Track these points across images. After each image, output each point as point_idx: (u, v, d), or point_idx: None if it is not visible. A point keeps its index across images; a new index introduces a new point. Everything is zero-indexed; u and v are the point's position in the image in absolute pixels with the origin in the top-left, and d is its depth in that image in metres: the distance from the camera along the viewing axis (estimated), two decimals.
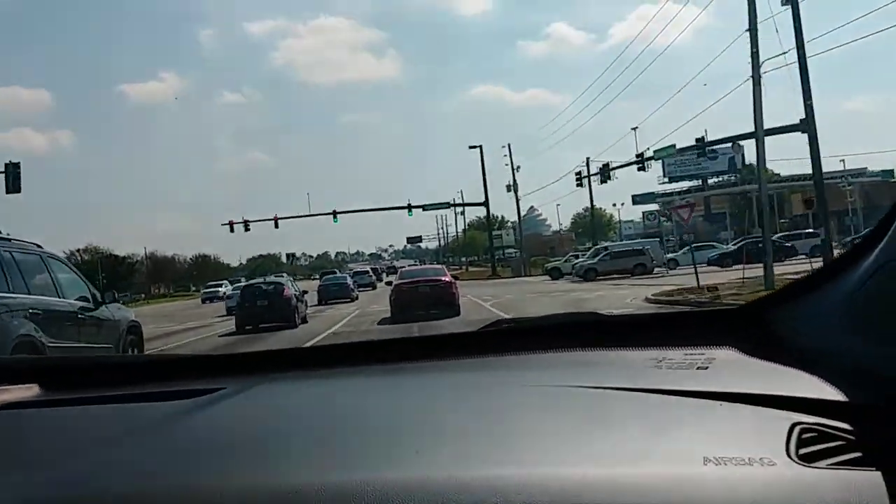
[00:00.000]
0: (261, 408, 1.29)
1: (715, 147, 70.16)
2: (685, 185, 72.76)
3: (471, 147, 65.60)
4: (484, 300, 27.26)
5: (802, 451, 0.85)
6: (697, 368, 1.12)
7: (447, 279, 21.90)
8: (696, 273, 22.03)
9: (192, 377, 1.49)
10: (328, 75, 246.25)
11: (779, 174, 71.95)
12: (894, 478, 0.81)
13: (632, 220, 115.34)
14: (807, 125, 21.66)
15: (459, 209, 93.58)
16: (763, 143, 19.52)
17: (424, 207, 61.55)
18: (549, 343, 1.33)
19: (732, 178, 68.03)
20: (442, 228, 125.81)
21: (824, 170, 22.41)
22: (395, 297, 21.54)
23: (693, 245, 28.81)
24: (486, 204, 65.23)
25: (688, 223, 24.45)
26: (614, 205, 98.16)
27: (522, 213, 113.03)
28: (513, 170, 64.44)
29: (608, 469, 0.86)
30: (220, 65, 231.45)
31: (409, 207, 59.85)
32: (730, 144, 67.07)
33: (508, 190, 66.18)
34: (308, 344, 15.58)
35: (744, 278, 20.95)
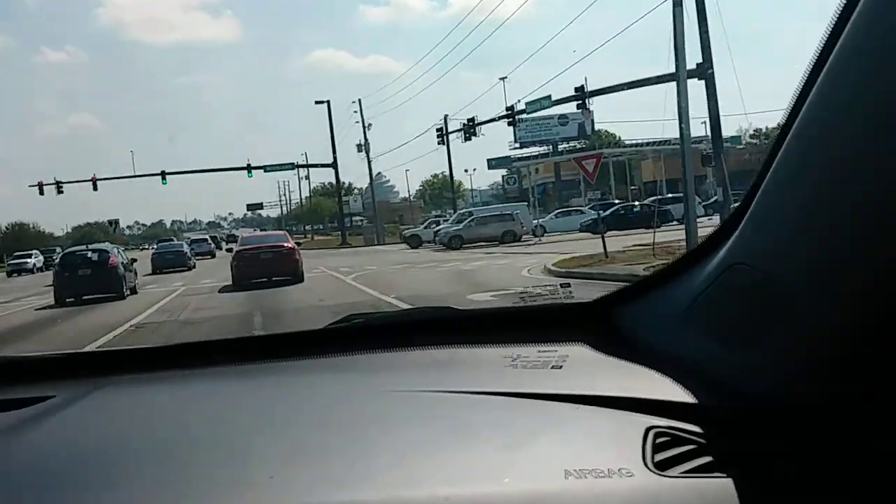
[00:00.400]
0: (94, 419, 1.19)
1: (566, 113, 70.35)
2: (535, 150, 71.32)
3: (317, 102, 61.08)
4: (342, 273, 23.29)
5: (658, 457, 0.87)
6: (552, 368, 1.12)
7: (289, 245, 21.53)
8: (603, 241, 19.28)
9: (12, 383, 1.32)
10: (160, 35, 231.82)
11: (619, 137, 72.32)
12: (745, 484, 0.84)
13: (478, 190, 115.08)
14: (704, 70, 19.74)
15: (304, 173, 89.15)
16: (685, 85, 16.69)
17: (266, 168, 57.06)
18: (404, 341, 1.30)
19: (582, 143, 67.24)
20: (284, 195, 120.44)
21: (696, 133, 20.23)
22: (236, 264, 21.02)
23: (562, 210, 26.12)
24: (334, 165, 60.96)
25: (594, 179, 21.76)
26: (466, 171, 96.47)
27: (369, 181, 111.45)
28: (364, 126, 60.57)
29: (469, 488, 0.86)
30: (41, 20, 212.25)
31: (249, 168, 55.14)
32: (580, 110, 66.94)
33: (360, 150, 62.30)
34: (136, 319, 14.47)
35: (654, 244, 18.22)
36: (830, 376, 0.85)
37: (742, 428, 0.92)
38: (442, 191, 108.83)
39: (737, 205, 0.97)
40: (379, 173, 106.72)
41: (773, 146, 0.89)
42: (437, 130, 50.64)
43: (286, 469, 0.90)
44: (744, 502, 0.83)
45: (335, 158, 60.64)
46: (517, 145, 68.97)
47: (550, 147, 70.06)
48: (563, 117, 67.04)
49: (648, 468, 0.86)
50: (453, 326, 1.40)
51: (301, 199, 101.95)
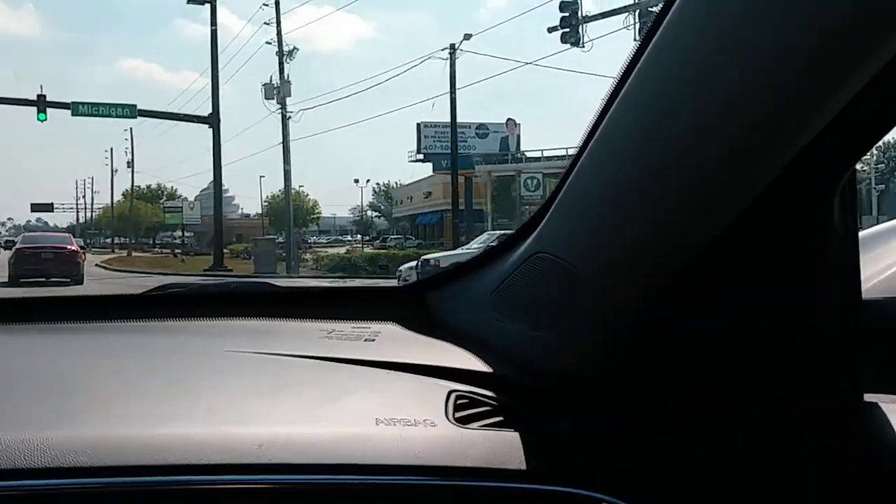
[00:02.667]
0: None
1: (486, 122, 54.53)
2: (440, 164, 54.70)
3: None
4: None
5: (458, 414, 0.99)
6: (365, 340, 1.21)
7: (73, 248, 21.28)
8: None
9: None
10: None
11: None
12: (528, 436, 0.97)
13: (334, 216, 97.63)
14: None
15: (122, 168, 68.36)
16: None
17: (76, 109, 29.51)
18: (222, 311, 1.34)
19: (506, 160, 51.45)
20: (83, 196, 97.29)
21: None
22: (14, 261, 20.66)
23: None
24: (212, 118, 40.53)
25: None
26: (357, 181, 78.41)
27: (203, 187, 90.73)
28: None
29: (286, 429, 0.94)
30: None
31: (41, 104, 28.72)
32: (507, 122, 51.12)
33: None
34: None
35: None
36: (611, 352, 1.01)
37: (531, 394, 1.05)
38: (293, 208, 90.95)
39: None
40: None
41: (580, 148, 0.97)
42: None
43: (110, 406, 0.98)
44: (527, 449, 0.95)
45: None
46: (419, 157, 51.94)
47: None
48: (482, 127, 51.36)
49: (449, 420, 0.97)
50: (273, 300, 1.43)
51: (112, 200, 79.11)
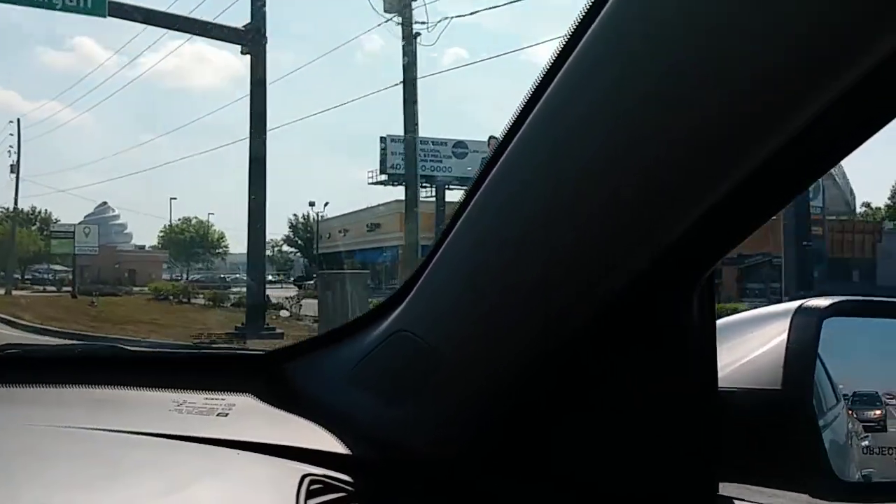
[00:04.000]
0: None
1: (465, 140, 44.37)
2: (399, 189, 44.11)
3: None
4: None
5: (310, 502, 0.95)
6: (217, 415, 1.14)
7: None
8: None
9: None
10: None
11: None
12: None
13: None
14: None
15: None
16: None
17: None
18: (62, 377, 1.21)
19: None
20: None
21: None
22: None
23: None
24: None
25: None
26: (312, 204, 66.35)
27: (89, 211, 76.62)
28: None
29: None
30: None
31: None
32: (489, 139, 41.15)
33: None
34: None
35: None
36: (469, 429, 1.00)
37: (388, 477, 1.03)
38: (195, 241, 77.91)
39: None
40: (104, 203, 73.92)
41: (448, 224, 0.96)
42: None
43: None
44: None
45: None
46: (381, 177, 41.16)
47: (432, 189, 42.84)
48: (460, 145, 41.20)
49: None
50: (120, 366, 1.34)
51: None
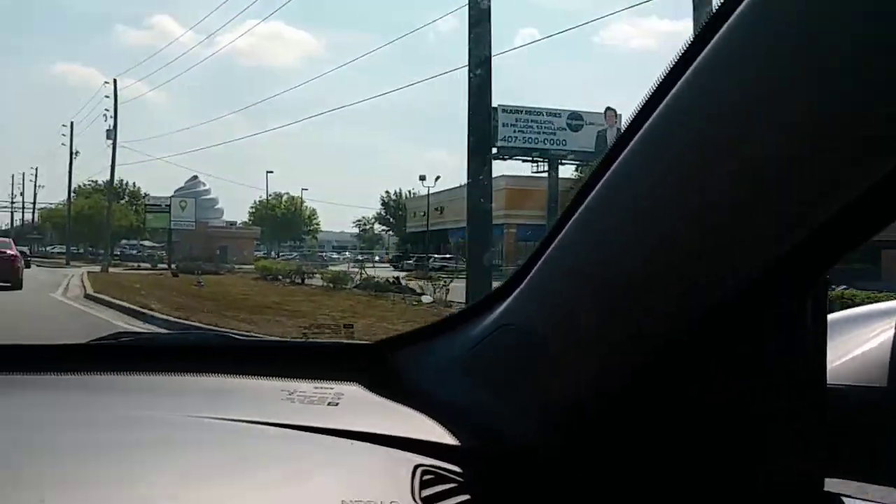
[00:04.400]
0: None
1: (580, 111, 41.04)
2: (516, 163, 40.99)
3: None
4: None
5: (424, 493, 0.97)
6: (328, 404, 1.17)
7: (12, 252, 21.16)
8: None
9: None
10: None
11: None
12: None
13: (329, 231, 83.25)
14: None
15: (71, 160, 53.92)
16: None
17: None
18: (177, 365, 1.27)
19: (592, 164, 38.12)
20: (21, 194, 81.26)
21: None
22: None
23: None
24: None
25: None
26: (423, 178, 63.57)
27: (181, 185, 75.70)
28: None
29: None
30: None
31: None
32: (606, 112, 37.96)
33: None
34: None
35: None
36: (577, 425, 1.00)
37: (498, 469, 1.03)
38: (287, 217, 76.27)
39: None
40: (195, 178, 72.78)
41: (561, 219, 0.97)
42: None
43: (57, 495, 0.87)
44: None
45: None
46: (494, 150, 38.35)
47: (545, 163, 39.77)
48: (575, 117, 37.96)
49: (416, 501, 0.95)
50: (230, 355, 1.36)
51: (70, 194, 58.75)
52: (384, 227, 78.48)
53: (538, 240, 1.05)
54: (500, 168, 37.97)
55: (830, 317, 1.01)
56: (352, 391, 1.20)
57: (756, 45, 0.71)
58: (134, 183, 73.41)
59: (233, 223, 64.84)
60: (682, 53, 0.78)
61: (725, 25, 0.73)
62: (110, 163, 42.22)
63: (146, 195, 62.99)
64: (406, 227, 64.93)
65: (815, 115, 0.69)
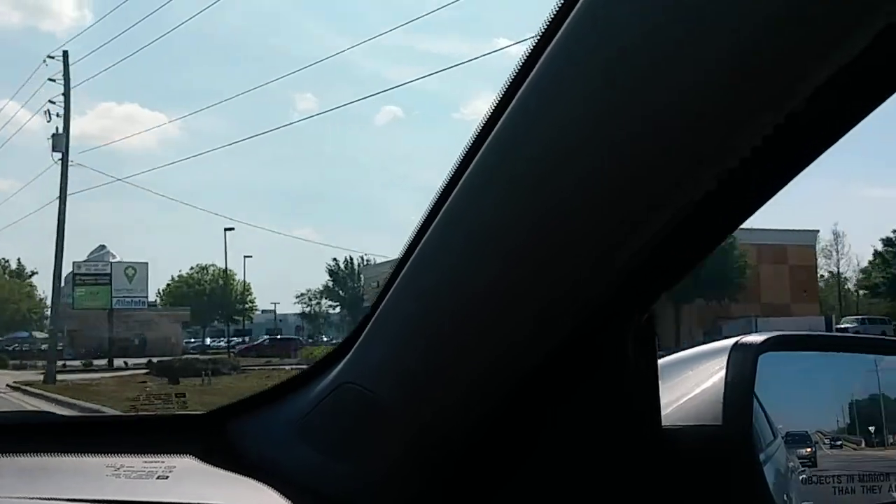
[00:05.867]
0: None
1: None
2: None
3: None
4: None
5: None
6: (157, 478, 1.13)
7: None
8: None
9: None
10: None
11: None
12: None
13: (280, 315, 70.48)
14: None
15: None
16: None
17: None
18: None
19: None
20: None
21: None
22: None
23: None
24: None
25: None
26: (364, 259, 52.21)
27: (87, 253, 61.43)
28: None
29: None
30: None
31: None
32: None
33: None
34: None
35: None
36: (416, 482, 0.98)
37: None
38: (212, 293, 63.12)
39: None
40: (102, 246, 59.42)
41: (392, 273, 0.97)
42: None
43: None
44: None
45: None
46: None
47: None
48: None
49: None
50: (52, 433, 1.31)
51: None
52: (330, 303, 66.67)
53: None
54: None
55: (663, 360, 1.05)
56: (184, 463, 1.15)
57: (551, 105, 0.73)
58: (19, 259, 60.25)
59: (153, 303, 51.58)
60: (499, 97, 0.79)
61: (527, 82, 0.75)
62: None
63: (32, 273, 49.97)
64: (364, 300, 53.87)
65: (616, 155, 0.70)
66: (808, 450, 1.18)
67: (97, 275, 41.40)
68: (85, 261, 45.43)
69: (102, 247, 50.64)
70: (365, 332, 1.01)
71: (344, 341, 1.08)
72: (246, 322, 62.44)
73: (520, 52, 0.76)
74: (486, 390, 0.90)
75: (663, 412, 0.95)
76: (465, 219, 0.84)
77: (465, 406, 0.92)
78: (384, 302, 0.97)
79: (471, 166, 0.82)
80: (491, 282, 0.82)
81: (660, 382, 0.94)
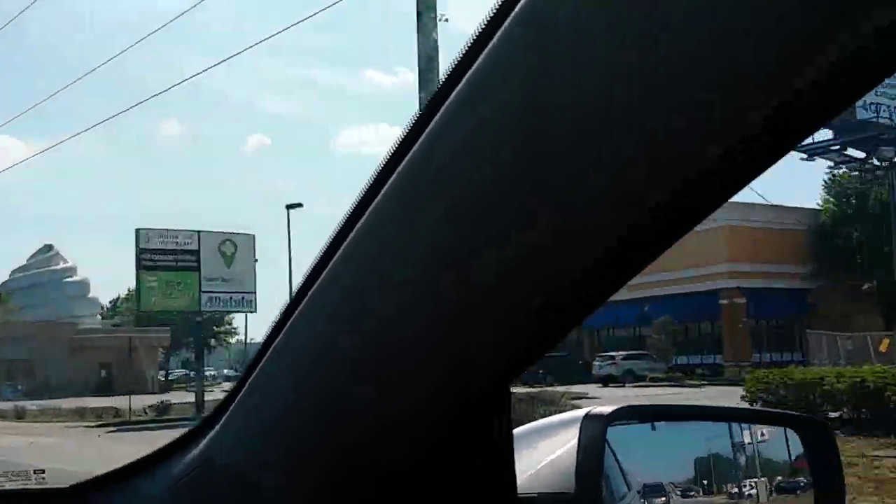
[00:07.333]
0: None
1: None
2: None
3: None
4: None
5: None
6: None
7: None
8: None
9: None
10: None
11: None
12: None
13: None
14: None
15: None
16: None
17: None
18: None
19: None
20: None
21: None
22: None
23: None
24: None
25: None
26: None
27: (30, 254, 48.38)
28: None
29: None
30: None
31: None
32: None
33: None
34: None
35: None
36: None
37: None
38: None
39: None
40: (49, 247, 46.59)
41: (263, 346, 0.95)
42: None
43: None
44: None
45: None
46: None
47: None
48: None
49: None
50: None
51: None
52: None
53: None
54: None
55: (518, 430, 1.07)
56: None
57: (407, 194, 0.73)
58: None
59: (117, 324, 39.06)
60: (378, 171, 0.79)
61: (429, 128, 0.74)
62: None
63: None
64: None
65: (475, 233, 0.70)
66: (663, 499, 1.26)
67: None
68: (23, 265, 33.67)
69: (49, 246, 38.55)
70: (233, 403, 0.97)
71: (214, 411, 1.02)
72: (222, 349, 50.43)
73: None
74: (352, 470, 0.87)
75: (518, 480, 0.94)
76: (335, 287, 0.84)
77: (333, 487, 0.89)
78: (254, 374, 0.94)
79: (336, 254, 0.82)
80: (356, 362, 0.82)
81: (515, 451, 0.94)
